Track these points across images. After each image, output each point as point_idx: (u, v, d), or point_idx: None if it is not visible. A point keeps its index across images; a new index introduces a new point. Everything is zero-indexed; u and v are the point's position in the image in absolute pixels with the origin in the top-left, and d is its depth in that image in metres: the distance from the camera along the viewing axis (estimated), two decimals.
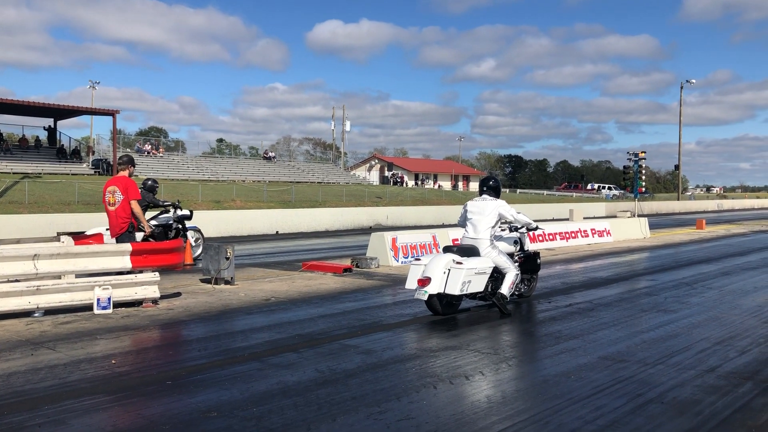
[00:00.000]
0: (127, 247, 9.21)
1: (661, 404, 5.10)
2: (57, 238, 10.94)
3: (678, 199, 66.47)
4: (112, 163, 43.38)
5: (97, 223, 17.62)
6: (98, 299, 8.61)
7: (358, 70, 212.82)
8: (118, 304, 8.88)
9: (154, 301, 9.22)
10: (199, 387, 5.49)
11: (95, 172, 43.46)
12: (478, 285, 8.53)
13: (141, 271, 9.29)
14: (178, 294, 10.18)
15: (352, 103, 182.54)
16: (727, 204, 65.42)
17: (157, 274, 9.30)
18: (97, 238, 12.28)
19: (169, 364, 6.28)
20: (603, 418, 4.78)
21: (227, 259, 10.95)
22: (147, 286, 9.16)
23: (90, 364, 6.15)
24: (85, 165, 44.77)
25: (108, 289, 8.71)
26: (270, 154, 66.54)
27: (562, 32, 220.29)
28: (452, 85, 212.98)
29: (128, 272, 9.27)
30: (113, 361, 6.28)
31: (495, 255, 8.74)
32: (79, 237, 11.77)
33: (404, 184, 73.24)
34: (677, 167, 69.39)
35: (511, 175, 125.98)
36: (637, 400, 5.19)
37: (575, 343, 7.16)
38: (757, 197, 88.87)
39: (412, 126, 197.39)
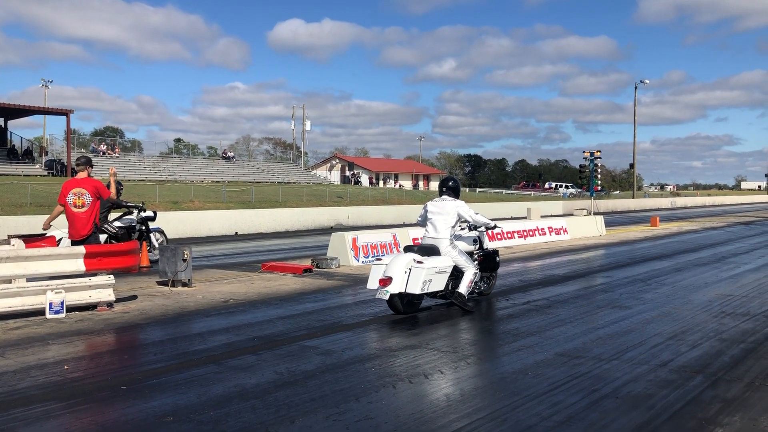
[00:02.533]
0: (81, 249, 9.01)
1: (616, 399, 5.20)
2: (7, 240, 10.63)
3: (633, 197, 67.90)
4: (66, 163, 42.38)
5: None
6: (50, 303, 8.39)
7: (320, 69, 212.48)
8: (71, 308, 8.67)
9: (109, 305, 9.04)
10: (155, 391, 5.40)
11: (48, 173, 42.37)
12: (439, 284, 8.62)
13: (95, 274, 9.10)
14: (134, 297, 9.99)
15: (314, 102, 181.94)
16: (680, 201, 67.07)
17: (111, 276, 9.11)
18: (50, 240, 11.98)
19: (124, 368, 6.16)
20: (559, 414, 4.85)
21: (184, 260, 10.79)
22: (101, 290, 8.96)
23: (41, 371, 5.99)
24: (37, 166, 43.61)
25: (61, 292, 8.50)
26: (229, 154, 65.78)
27: (522, 33, 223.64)
28: (414, 85, 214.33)
29: (82, 275, 9.07)
30: (66, 367, 6.13)
31: (455, 254, 8.83)
32: (30, 239, 11.46)
33: (371, 183, 73.12)
34: (632, 166, 70.90)
35: (471, 175, 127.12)
36: (593, 395, 5.28)
37: (532, 340, 7.25)
38: (709, 195, 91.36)
39: (374, 126, 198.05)
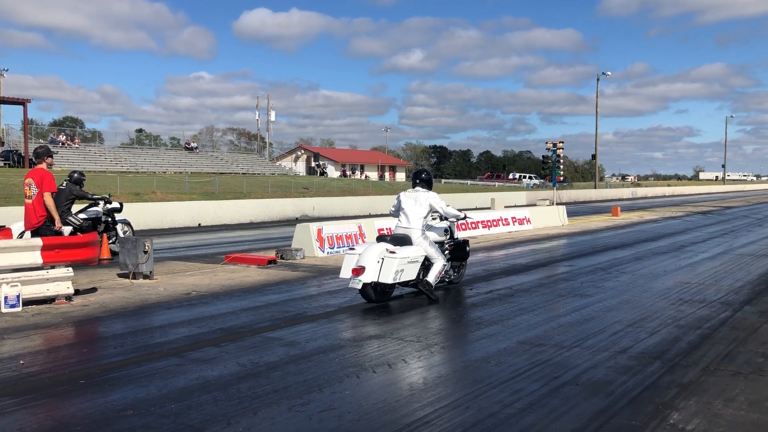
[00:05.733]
0: (38, 241, 8.80)
1: (576, 386, 5.27)
2: None
3: (595, 188, 68.85)
4: (23, 154, 41.34)
5: (6, 216, 16.77)
6: (6, 297, 8.18)
7: (288, 60, 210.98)
8: (28, 302, 8.47)
9: (68, 298, 8.85)
10: (115, 385, 5.31)
11: (5, 164, 41.30)
12: (411, 273, 8.69)
13: (53, 267, 8.89)
14: (93, 290, 9.81)
15: (281, 93, 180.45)
16: (641, 192, 68.28)
17: (70, 269, 8.92)
18: (5, 233, 11.70)
19: (83, 362, 6.04)
20: (521, 401, 4.90)
21: (145, 252, 10.62)
22: (60, 282, 8.77)
23: None
24: None
25: (17, 285, 8.29)
26: (192, 144, 64.90)
27: (490, 25, 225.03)
28: (381, 76, 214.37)
29: (40, 268, 8.86)
30: (21, 362, 5.99)
31: (426, 245, 8.94)
32: None
33: (344, 174, 72.72)
34: (594, 157, 71.87)
35: (437, 166, 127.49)
36: (554, 382, 5.35)
37: (495, 328, 7.32)
38: (668, 185, 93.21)
39: (341, 116, 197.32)
